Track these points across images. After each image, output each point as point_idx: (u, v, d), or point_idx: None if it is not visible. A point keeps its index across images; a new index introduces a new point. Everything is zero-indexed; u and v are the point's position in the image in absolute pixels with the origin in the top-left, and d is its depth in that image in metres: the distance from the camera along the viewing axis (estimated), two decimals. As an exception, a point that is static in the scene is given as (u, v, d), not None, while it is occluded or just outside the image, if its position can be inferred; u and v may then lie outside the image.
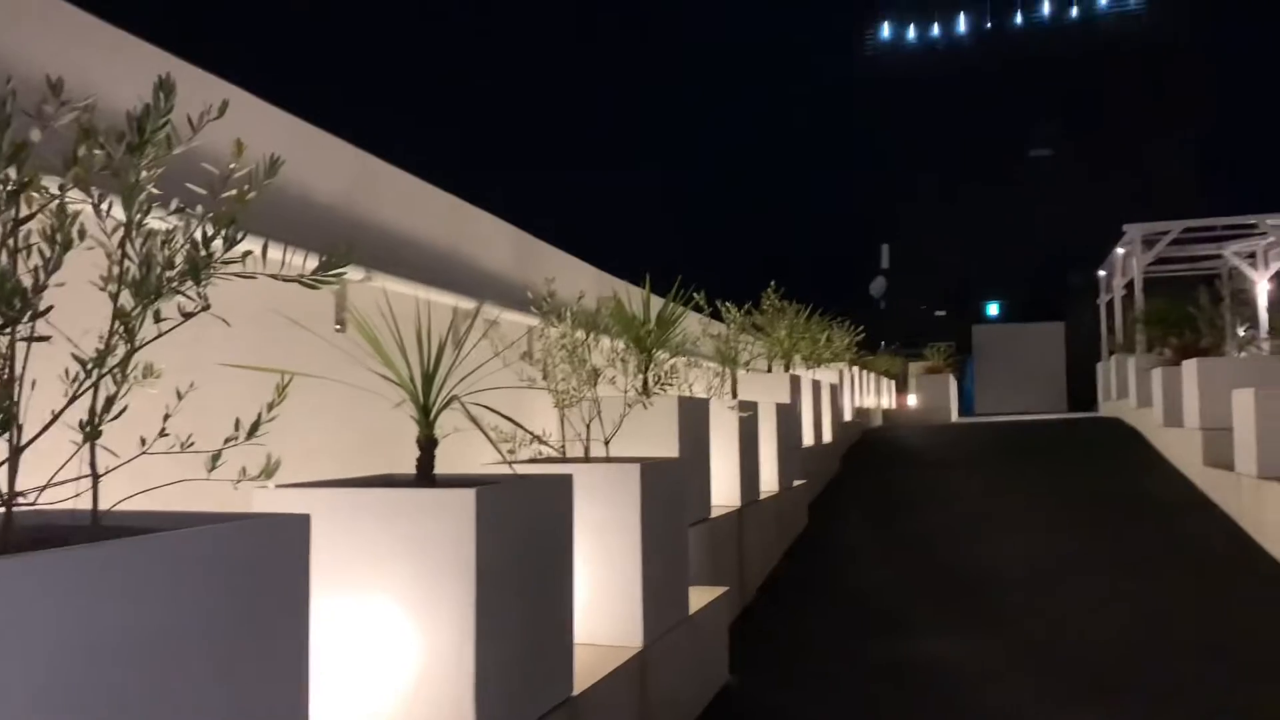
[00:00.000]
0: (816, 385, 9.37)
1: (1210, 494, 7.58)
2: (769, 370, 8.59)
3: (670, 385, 4.09)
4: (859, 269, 52.36)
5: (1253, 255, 19.78)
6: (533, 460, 3.36)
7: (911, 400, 20.09)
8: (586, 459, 3.44)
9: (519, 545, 2.30)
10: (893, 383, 20.71)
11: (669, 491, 3.59)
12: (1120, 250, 19.27)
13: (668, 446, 4.29)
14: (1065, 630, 5.08)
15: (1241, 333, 10.46)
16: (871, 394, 17.59)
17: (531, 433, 2.82)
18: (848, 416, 12.96)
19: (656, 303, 4.58)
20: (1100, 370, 17.76)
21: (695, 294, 6.15)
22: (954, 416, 19.28)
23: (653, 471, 3.32)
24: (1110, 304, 20.97)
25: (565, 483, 2.59)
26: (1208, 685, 4.27)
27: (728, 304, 6.70)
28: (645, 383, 4.22)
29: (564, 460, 3.41)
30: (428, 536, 2.08)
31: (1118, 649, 4.80)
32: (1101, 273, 22.00)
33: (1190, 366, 8.25)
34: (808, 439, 8.71)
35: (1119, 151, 46.52)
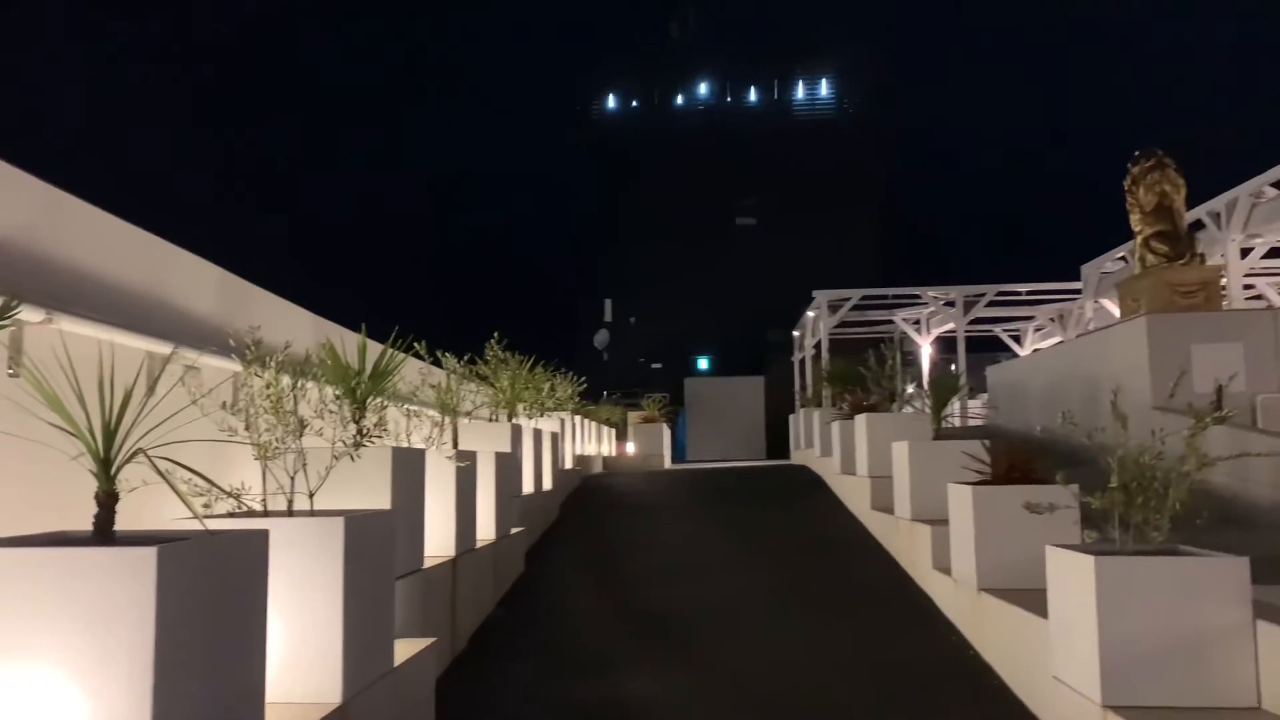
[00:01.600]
0: (538, 434, 9.51)
1: (877, 535, 8.42)
2: (493, 419, 8.63)
3: (381, 436, 4.03)
4: (585, 322, 53.75)
5: (918, 322, 22.38)
6: (231, 515, 3.20)
7: (630, 448, 20.75)
8: (289, 513, 3.32)
9: (206, 604, 2.19)
10: (613, 431, 21.31)
11: (376, 543, 3.54)
12: (811, 313, 21.13)
13: (380, 498, 4.22)
14: (755, 663, 5.46)
15: (911, 390, 11.73)
16: (593, 442, 18.02)
17: (221, 487, 2.70)
18: (569, 464, 13.21)
19: (376, 350, 4.52)
20: (792, 421, 19.25)
21: (416, 343, 6.09)
22: (667, 463, 20.13)
23: (358, 524, 3.27)
24: (803, 361, 22.87)
25: (260, 538, 2.50)
26: (876, 705, 4.75)
27: (447, 354, 6.69)
28: (359, 433, 4.14)
29: (264, 514, 3.28)
30: (103, 598, 1.95)
31: (797, 678, 5.22)
32: (796, 333, 23.98)
33: (861, 420, 9.17)
34: (528, 486, 8.80)
35: (814, 224, 51.04)
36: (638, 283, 51.45)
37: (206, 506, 2.82)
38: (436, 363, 6.75)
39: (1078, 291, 17.50)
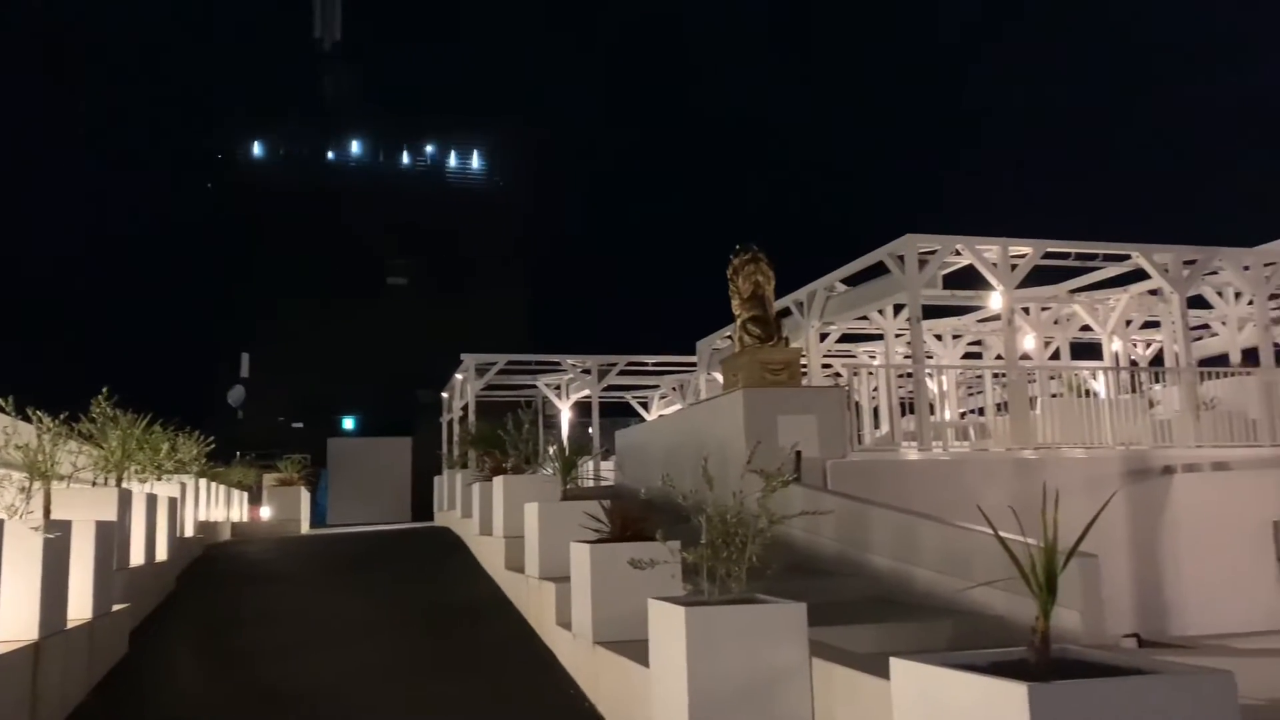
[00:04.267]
0: (153, 499, 8.62)
1: (509, 595, 8.55)
2: (99, 483, 7.74)
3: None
4: (219, 377, 49.66)
5: (559, 387, 23.22)
6: None
7: (265, 512, 19.37)
8: None
9: None
10: (245, 494, 19.84)
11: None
12: (459, 375, 21.17)
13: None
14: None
15: (552, 452, 12.06)
16: (221, 506, 16.61)
17: None
18: (190, 531, 12.06)
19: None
20: (437, 483, 19.06)
21: (2, 398, 5.39)
22: (305, 528, 19.01)
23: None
24: (450, 423, 22.78)
25: None
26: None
27: (38, 412, 5.93)
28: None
29: None
30: None
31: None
32: (445, 394, 23.87)
33: (499, 482, 9.32)
34: (138, 558, 7.95)
35: (466, 288, 51.35)
36: (280, 337, 48.49)
37: None
38: (28, 419, 5.98)
39: (695, 364, 19.13)
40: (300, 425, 45.47)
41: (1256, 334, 13.42)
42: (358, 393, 47.43)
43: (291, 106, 55.24)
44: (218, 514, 15.97)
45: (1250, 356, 14.09)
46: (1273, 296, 13.65)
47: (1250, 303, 13.91)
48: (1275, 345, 13.51)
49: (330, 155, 56.00)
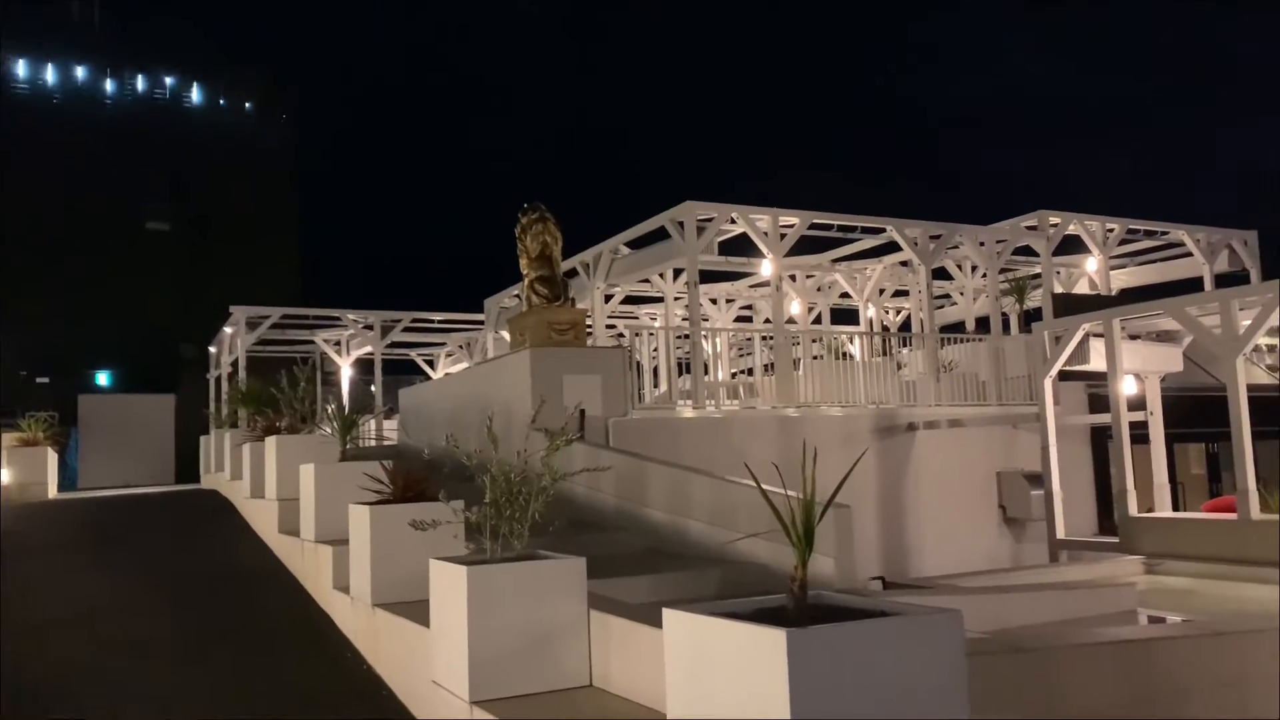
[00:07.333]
0: None
1: (284, 559, 8.14)
2: None
3: None
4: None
5: (339, 343, 22.21)
6: None
7: (3, 476, 17.43)
8: None
9: None
10: (-20, 457, 17.75)
11: None
12: (228, 329, 19.79)
13: None
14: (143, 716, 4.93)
15: (330, 411, 11.51)
16: (-52, 471, 14.81)
17: None
18: (-95, 500, 10.65)
19: None
20: (204, 443, 17.84)
21: None
22: (53, 492, 17.27)
23: None
24: (219, 379, 21.29)
25: None
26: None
27: None
28: None
29: None
30: None
31: None
32: (213, 349, 22.25)
33: (271, 443, 8.82)
34: None
35: (234, 235, 47.78)
36: (22, 285, 43.34)
37: None
38: None
39: (482, 322, 18.85)
40: (46, 380, 41.06)
41: (988, 304, 14.85)
42: (113, 347, 43.31)
43: (41, 24, 48.89)
44: (-57, 479, 14.24)
45: (982, 324, 15.59)
46: (1002, 270, 15.13)
47: (984, 275, 15.35)
48: (1003, 315, 15.03)
49: (82, 82, 50.17)
